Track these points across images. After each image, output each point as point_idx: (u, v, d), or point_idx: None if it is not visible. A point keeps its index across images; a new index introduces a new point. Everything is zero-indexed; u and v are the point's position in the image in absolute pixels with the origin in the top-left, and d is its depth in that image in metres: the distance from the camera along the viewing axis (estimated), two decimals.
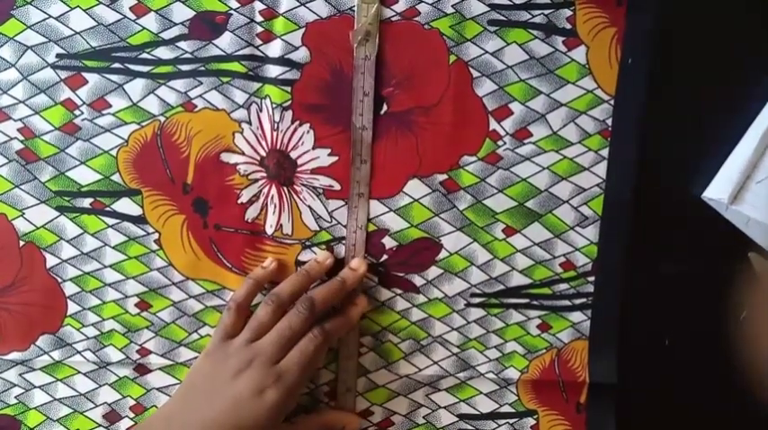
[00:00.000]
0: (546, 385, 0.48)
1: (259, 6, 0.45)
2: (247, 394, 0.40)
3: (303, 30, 0.45)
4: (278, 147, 0.46)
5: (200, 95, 0.45)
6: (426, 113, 0.46)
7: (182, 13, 0.45)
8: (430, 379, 0.48)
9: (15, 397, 0.47)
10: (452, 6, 0.45)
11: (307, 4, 0.45)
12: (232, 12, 0.45)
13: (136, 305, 0.47)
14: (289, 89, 0.45)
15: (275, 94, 0.45)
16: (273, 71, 0.45)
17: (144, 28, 0.45)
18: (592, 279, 0.47)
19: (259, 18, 0.45)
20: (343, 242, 0.47)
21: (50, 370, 0.47)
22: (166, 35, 0.45)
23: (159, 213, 0.46)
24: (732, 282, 0.48)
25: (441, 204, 0.47)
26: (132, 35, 0.45)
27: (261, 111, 0.45)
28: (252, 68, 0.45)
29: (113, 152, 0.45)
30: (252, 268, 0.46)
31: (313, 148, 0.46)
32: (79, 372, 0.47)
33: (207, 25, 0.45)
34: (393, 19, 0.45)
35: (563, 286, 0.48)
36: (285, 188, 0.46)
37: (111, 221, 0.46)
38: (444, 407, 0.48)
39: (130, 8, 0.45)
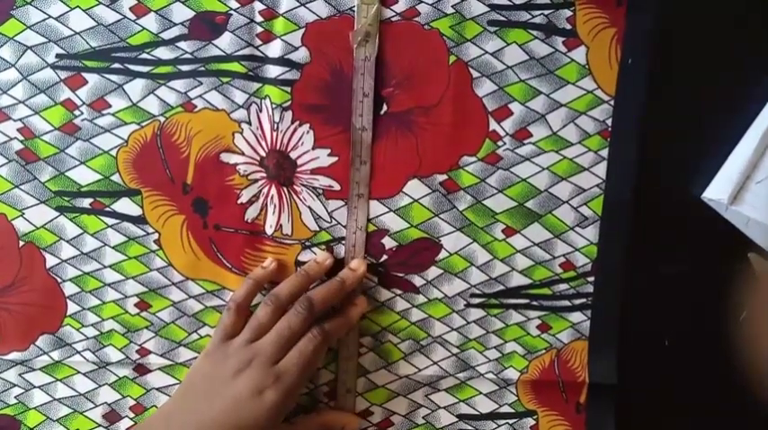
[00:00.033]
0: (546, 385, 0.48)
1: (259, 6, 0.45)
2: (247, 394, 0.40)
3: (303, 30, 0.45)
4: (278, 147, 0.46)
5: (200, 96, 0.45)
6: (426, 114, 0.46)
7: (181, 14, 0.45)
8: (429, 379, 0.48)
9: (15, 397, 0.47)
10: (452, 7, 0.45)
11: (307, 5, 0.45)
12: (232, 12, 0.45)
13: (135, 305, 0.47)
14: (288, 89, 0.45)
15: (275, 95, 0.45)
16: (273, 71, 0.45)
17: (144, 28, 0.45)
18: (591, 279, 0.47)
19: (259, 18, 0.45)
20: (343, 242, 0.47)
21: (50, 370, 0.47)
22: (166, 35, 0.45)
23: (159, 213, 0.46)
24: (732, 282, 0.47)
25: (440, 205, 0.47)
26: (132, 35, 0.45)
27: (261, 111, 0.45)
28: (252, 69, 0.45)
29: (113, 152, 0.45)
30: (251, 268, 0.46)
31: (313, 149, 0.46)
32: (79, 372, 0.47)
33: (207, 25, 0.45)
34: (393, 19, 0.45)
35: (563, 286, 0.48)
36: (285, 188, 0.46)
37: (110, 221, 0.46)
38: (444, 408, 0.48)
39: (130, 8, 0.45)
